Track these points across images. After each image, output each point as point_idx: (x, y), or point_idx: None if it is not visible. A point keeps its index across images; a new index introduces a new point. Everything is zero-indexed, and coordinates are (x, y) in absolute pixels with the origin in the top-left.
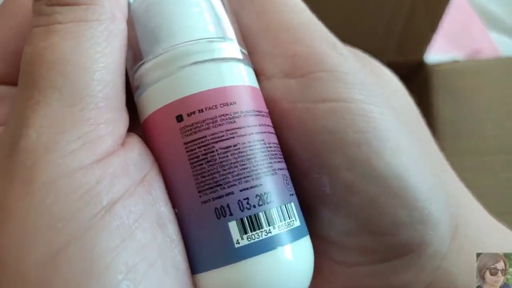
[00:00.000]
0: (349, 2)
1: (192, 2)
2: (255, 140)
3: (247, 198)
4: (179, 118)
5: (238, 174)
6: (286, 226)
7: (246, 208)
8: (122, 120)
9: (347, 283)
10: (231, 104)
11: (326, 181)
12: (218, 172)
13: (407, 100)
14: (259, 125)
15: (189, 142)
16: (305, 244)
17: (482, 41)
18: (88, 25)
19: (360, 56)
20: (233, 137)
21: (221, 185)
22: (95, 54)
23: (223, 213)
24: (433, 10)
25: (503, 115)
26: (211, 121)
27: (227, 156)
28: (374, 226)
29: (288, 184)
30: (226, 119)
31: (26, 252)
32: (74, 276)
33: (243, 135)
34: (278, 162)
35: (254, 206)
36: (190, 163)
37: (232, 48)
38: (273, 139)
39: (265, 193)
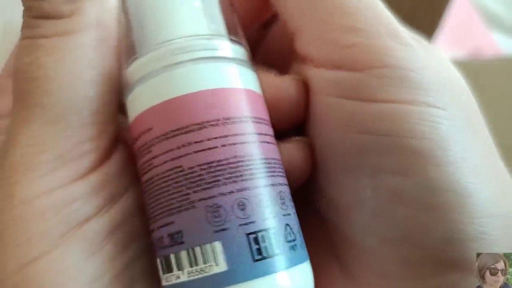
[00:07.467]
0: None
1: None
2: (168, 169)
3: (162, 237)
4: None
5: (155, 211)
6: (197, 273)
7: (162, 247)
8: (109, 132)
9: None
10: (147, 131)
11: (366, 183)
12: (147, 205)
13: (470, 97)
14: (185, 145)
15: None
16: None
17: (483, 41)
18: (72, 37)
19: (423, 44)
20: (150, 170)
21: (150, 219)
22: (79, 68)
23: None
24: (434, 10)
25: (503, 115)
26: (138, 152)
27: (148, 190)
28: (420, 238)
29: (216, 218)
30: (145, 149)
31: (4, 262)
32: (41, 286)
33: (156, 166)
34: (204, 190)
35: (167, 247)
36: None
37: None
38: (220, 155)
39: (176, 232)
